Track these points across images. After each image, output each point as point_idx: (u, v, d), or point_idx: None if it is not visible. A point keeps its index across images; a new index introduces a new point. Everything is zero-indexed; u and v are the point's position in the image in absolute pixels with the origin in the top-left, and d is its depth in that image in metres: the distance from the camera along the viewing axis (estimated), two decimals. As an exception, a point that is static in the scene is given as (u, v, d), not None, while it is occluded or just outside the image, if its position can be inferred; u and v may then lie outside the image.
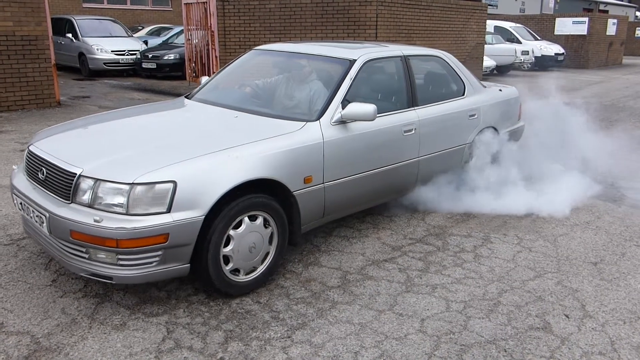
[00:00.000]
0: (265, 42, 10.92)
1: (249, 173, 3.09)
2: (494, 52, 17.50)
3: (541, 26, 23.64)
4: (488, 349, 2.79)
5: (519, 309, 3.18)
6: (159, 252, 2.83)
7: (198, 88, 4.56)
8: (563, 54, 21.48)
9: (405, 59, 4.45)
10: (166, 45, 15.02)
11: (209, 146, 3.15)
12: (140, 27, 20.13)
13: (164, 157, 3.00)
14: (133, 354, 2.69)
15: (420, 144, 4.31)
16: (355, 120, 3.69)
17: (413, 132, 4.21)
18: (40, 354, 2.68)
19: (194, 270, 3.03)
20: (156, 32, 18.83)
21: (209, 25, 11.47)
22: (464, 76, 5.00)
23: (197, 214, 2.88)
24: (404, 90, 4.38)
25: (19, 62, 8.73)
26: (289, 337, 2.86)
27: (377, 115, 3.74)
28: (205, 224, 2.94)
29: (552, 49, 20.97)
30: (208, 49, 11.63)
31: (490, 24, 19.15)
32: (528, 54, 19.71)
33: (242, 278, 3.23)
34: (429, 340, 2.85)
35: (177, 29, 16.38)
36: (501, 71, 18.26)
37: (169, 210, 2.82)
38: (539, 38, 21.87)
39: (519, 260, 3.85)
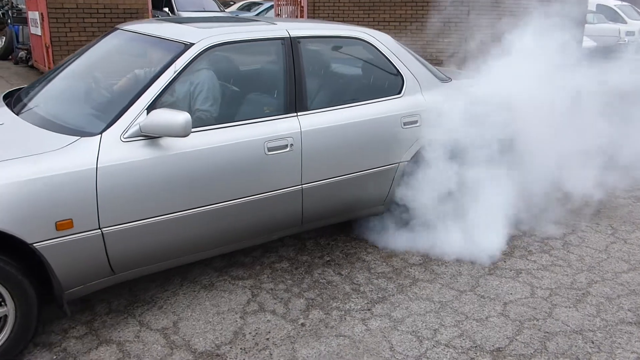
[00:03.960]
0: (354, 19, 10.87)
1: None
2: (595, 32, 16.41)
3: (651, 5, 21.82)
4: (574, 339, 2.70)
5: (610, 301, 3.04)
6: None
7: (32, 83, 3.43)
8: (674, 35, 19.76)
9: (291, 43, 3.14)
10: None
11: None
12: (232, 2, 20.61)
13: None
14: (220, 313, 2.84)
15: (304, 166, 3.05)
16: (162, 136, 2.60)
17: (288, 149, 2.97)
18: (137, 305, 2.91)
19: None
20: (247, 8, 19.22)
21: (299, 0, 11.56)
22: (405, 67, 3.53)
23: None
24: (282, 88, 3.12)
25: (120, 34, 9.25)
26: (369, 309, 2.91)
27: (220, 125, 2.84)
28: None
29: (661, 29, 19.35)
30: (296, 24, 11.75)
31: (593, 2, 17.93)
32: (634, 35, 18.30)
33: None
34: (511, 325, 2.80)
35: (267, 4, 16.62)
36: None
37: None
38: (648, 17, 20.23)
39: (612, 251, 3.66)
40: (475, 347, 2.63)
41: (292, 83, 3.11)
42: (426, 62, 3.79)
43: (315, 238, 3.71)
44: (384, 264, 3.39)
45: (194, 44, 2.85)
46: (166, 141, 2.63)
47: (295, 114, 3.07)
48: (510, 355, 2.58)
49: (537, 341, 2.68)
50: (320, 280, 3.18)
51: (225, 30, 3.05)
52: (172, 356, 2.51)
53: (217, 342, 2.62)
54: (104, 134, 2.52)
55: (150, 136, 2.59)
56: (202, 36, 2.91)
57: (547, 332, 2.75)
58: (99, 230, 2.47)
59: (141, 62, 3.13)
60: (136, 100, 2.63)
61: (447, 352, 2.59)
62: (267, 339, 2.65)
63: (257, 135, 2.90)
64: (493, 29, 4.42)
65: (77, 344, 2.58)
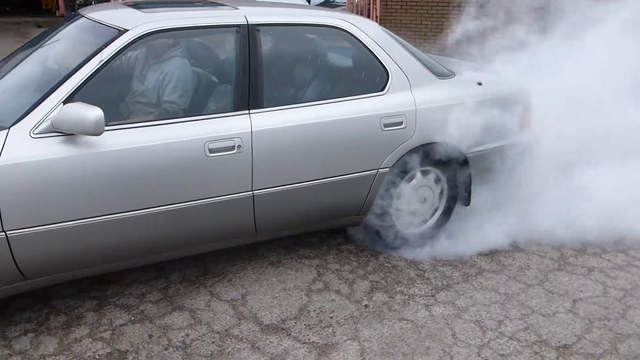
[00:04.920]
0: (427, 11, 10.68)
1: None
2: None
3: None
4: (648, 343, 2.61)
5: (690, 307, 2.90)
6: None
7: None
8: None
9: (249, 31, 2.76)
10: (328, 4, 15.30)
11: None
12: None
13: None
14: (286, 289, 2.93)
15: (256, 171, 2.72)
16: (75, 133, 2.33)
17: (235, 150, 2.65)
18: (208, 276, 3.05)
19: None
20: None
21: (372, -14, 11.47)
22: (392, 60, 3.10)
23: None
24: (232, 82, 2.79)
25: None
26: (433, 296, 2.91)
27: (153, 122, 2.56)
28: None
29: None
30: (369, 9, 11.68)
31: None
32: None
33: None
34: (580, 322, 2.73)
35: (340, -9, 16.57)
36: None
37: None
38: None
39: (695, 255, 3.47)
40: (541, 341, 2.59)
41: (246, 77, 2.75)
42: (424, 56, 3.38)
43: (381, 223, 3.73)
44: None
45: (127, 30, 2.56)
46: (86, 139, 2.37)
47: (247, 112, 2.73)
48: (577, 354, 2.52)
49: (607, 342, 2.60)
50: (386, 264, 3.21)
51: (168, 16, 2.73)
52: (239, 326, 2.63)
53: (282, 317, 2.71)
54: (12, 128, 2.29)
55: (66, 133, 2.34)
56: (141, 21, 2.61)
57: (619, 334, 2.66)
58: (3, 234, 2.27)
59: (84, 51, 2.72)
60: (52, 92, 2.37)
61: (511, 344, 2.56)
62: (331, 317, 2.72)
63: (195, 135, 2.58)
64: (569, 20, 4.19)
65: (153, 308, 2.75)
